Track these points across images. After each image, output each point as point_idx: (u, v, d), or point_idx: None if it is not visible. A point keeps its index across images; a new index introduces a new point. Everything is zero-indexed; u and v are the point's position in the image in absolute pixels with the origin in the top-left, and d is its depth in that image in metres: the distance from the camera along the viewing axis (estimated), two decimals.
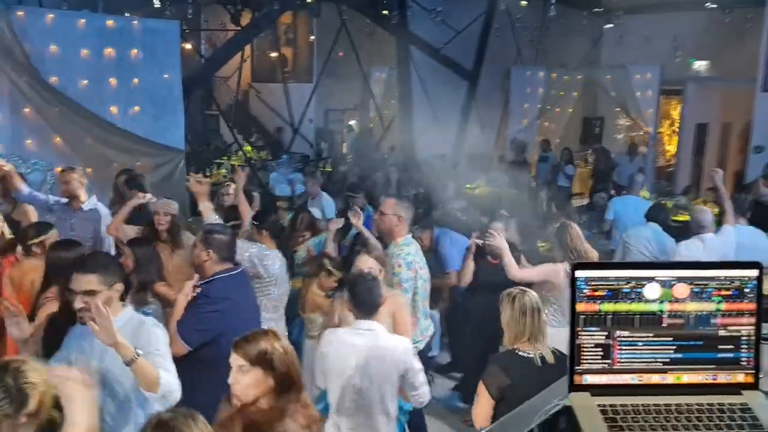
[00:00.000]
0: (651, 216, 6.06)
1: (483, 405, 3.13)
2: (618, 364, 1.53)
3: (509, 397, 3.05)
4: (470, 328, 5.47)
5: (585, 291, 1.52)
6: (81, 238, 5.03)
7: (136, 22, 8.20)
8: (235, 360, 2.38)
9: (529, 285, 4.85)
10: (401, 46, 12.47)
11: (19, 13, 7.01)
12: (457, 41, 12.36)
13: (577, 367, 1.53)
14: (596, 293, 1.52)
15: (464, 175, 10.39)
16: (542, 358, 3.18)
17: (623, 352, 1.53)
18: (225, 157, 12.65)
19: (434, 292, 5.82)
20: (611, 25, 14.47)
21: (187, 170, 8.76)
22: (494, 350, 5.18)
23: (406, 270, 4.23)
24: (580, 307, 1.53)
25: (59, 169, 5.77)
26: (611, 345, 1.53)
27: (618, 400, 1.48)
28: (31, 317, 3.27)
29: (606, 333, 1.53)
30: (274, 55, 15.97)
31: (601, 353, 1.53)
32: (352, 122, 16.31)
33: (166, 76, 8.34)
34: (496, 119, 14.41)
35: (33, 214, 5.54)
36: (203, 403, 2.68)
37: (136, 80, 8.00)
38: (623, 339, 1.53)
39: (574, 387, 1.52)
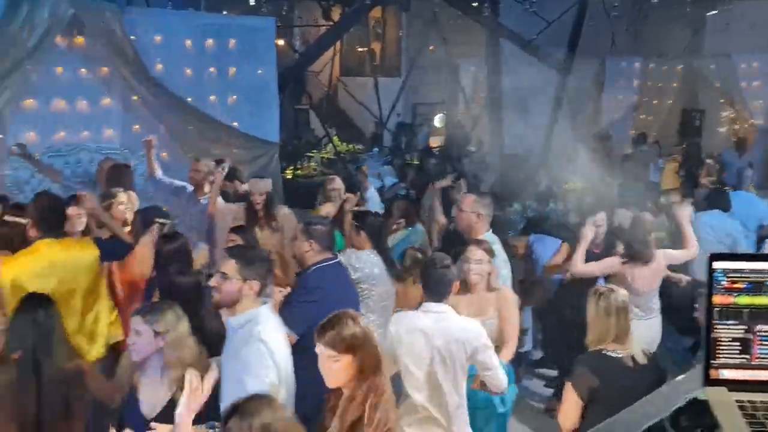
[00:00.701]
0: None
1: (571, 407, 3.05)
2: (757, 359, 1.45)
3: (599, 398, 2.96)
4: (563, 323, 5.34)
5: (723, 283, 1.44)
6: (201, 227, 5.32)
7: (234, 19, 8.51)
8: (324, 349, 2.42)
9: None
10: (492, 38, 12.30)
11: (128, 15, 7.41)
12: (549, 32, 12.06)
13: (713, 362, 1.46)
14: (735, 285, 1.44)
15: (556, 171, 10.13)
16: (632, 358, 3.06)
17: (764, 347, 1.45)
18: (315, 151, 12.91)
19: (528, 288, 5.76)
20: (716, 12, 13.70)
21: (281, 163, 9.06)
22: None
23: None
24: (717, 299, 1.45)
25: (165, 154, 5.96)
26: (751, 340, 1.45)
27: (758, 397, 1.40)
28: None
29: (745, 327, 1.45)
30: (362, 49, 16.15)
31: (740, 348, 1.45)
32: (438, 116, 16.26)
33: (262, 71, 8.63)
34: (589, 112, 13.98)
35: (136, 201, 5.78)
36: (307, 389, 2.78)
37: (233, 70, 8.30)
38: (764, 334, 1.45)
39: (709, 381, 1.45)
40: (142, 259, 3.86)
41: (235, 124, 8.34)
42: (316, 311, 3.30)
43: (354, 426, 2.35)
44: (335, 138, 13.19)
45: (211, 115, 8.04)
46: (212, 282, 2.78)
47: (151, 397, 2.74)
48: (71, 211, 4.01)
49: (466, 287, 3.85)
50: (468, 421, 3.30)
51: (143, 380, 2.77)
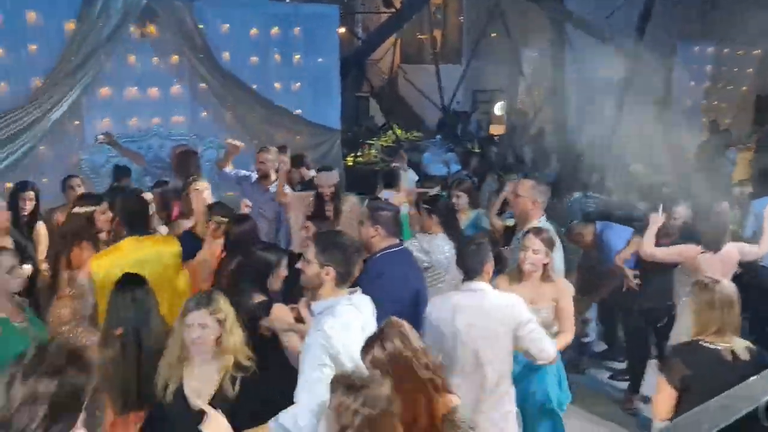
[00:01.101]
0: None
1: (664, 397, 2.98)
2: None
3: (693, 388, 2.88)
4: (636, 314, 5.21)
5: None
6: (269, 215, 5.45)
7: (298, 7, 8.61)
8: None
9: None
10: (556, 23, 12.03)
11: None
12: (617, 16, 11.72)
13: None
14: None
15: (622, 159, 9.86)
16: (732, 352, 2.96)
17: None
18: (375, 138, 12.97)
19: (593, 280, 5.64)
20: None
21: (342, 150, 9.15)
22: (662, 338, 4.99)
23: None
24: None
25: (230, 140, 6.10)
26: None
27: None
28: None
29: None
30: (423, 36, 16.07)
31: None
32: (498, 104, 16.06)
33: (325, 59, 8.73)
34: (658, 99, 13.51)
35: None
36: None
37: (297, 56, 8.43)
38: None
39: None
40: (206, 258, 4.02)
41: (299, 111, 8.47)
42: (378, 298, 3.33)
43: None
44: (395, 126, 13.21)
45: (275, 102, 8.18)
46: (298, 264, 2.85)
47: (195, 385, 2.76)
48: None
49: (520, 275, 3.82)
50: (513, 403, 3.28)
51: (190, 370, 2.79)
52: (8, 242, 4.13)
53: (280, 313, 3.22)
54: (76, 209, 4.03)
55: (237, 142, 5.78)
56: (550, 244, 3.81)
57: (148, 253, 3.67)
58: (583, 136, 11.07)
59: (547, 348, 3.21)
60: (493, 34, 13.50)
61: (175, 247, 3.82)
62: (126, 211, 3.85)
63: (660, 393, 3.02)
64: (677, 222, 4.89)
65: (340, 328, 2.66)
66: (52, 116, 6.70)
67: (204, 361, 2.77)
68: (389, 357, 2.30)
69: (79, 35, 6.77)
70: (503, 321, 3.12)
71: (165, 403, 2.74)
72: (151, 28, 7.37)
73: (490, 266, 3.30)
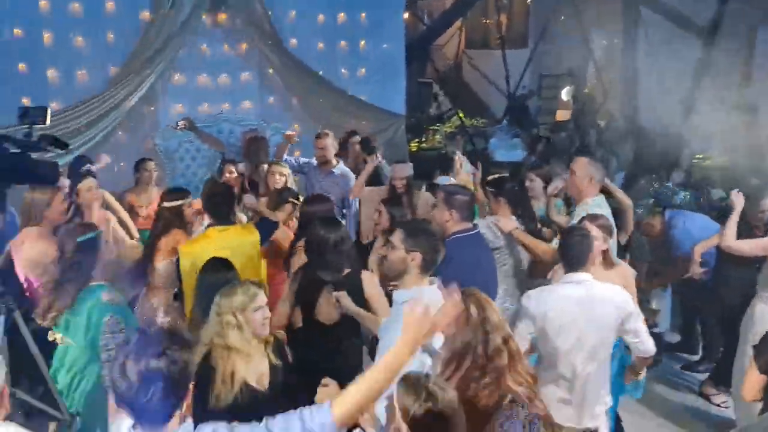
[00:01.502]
0: None
1: (751, 379, 2.95)
2: None
3: None
4: (719, 306, 5.03)
5: None
6: (334, 199, 5.51)
7: None
8: None
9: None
10: (629, 5, 11.62)
11: None
12: None
13: None
14: None
15: (698, 145, 9.48)
16: None
17: None
18: (439, 124, 12.88)
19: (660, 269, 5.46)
20: None
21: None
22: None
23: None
24: None
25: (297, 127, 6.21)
26: None
27: None
28: None
29: None
30: (488, 21, 15.81)
31: None
32: (566, 89, 15.65)
33: (390, 44, 8.71)
34: (736, 85, 12.87)
35: None
36: None
37: (363, 43, 8.46)
38: None
39: None
40: (283, 239, 4.11)
41: (364, 96, 8.49)
42: (450, 282, 3.31)
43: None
44: (460, 112, 13.09)
45: (341, 88, 8.24)
46: (381, 251, 2.86)
47: (253, 373, 2.81)
48: None
49: None
50: (609, 398, 3.26)
51: (239, 364, 2.83)
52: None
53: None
54: (165, 203, 4.14)
55: (291, 132, 5.86)
56: (607, 231, 3.73)
57: (232, 243, 3.75)
58: (657, 122, 10.69)
59: (649, 343, 3.22)
60: (561, 17, 13.12)
61: (255, 236, 3.90)
62: (211, 201, 3.94)
63: (748, 376, 3.01)
64: (765, 215, 4.67)
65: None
66: (128, 103, 6.95)
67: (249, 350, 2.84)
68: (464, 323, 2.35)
69: (153, 24, 6.99)
70: (611, 313, 3.11)
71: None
72: (222, 16, 7.53)
73: (593, 257, 3.30)
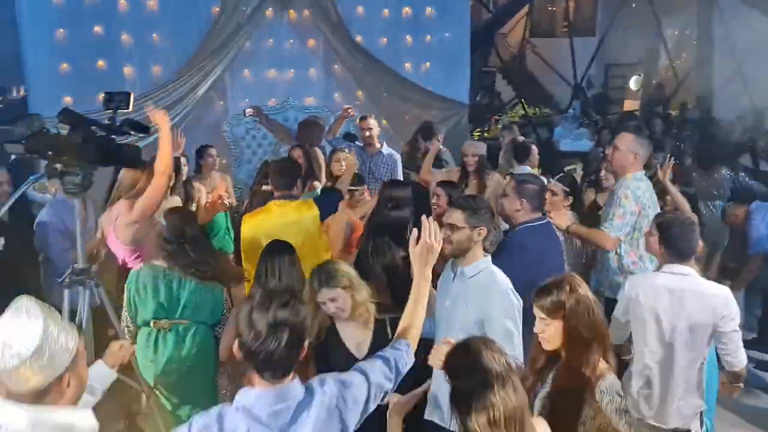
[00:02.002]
0: None
1: None
2: None
3: None
4: None
5: None
6: (377, 179, 5.55)
7: None
8: (537, 312, 2.45)
9: None
10: None
11: None
12: None
13: None
14: None
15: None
16: None
17: None
18: (501, 114, 12.73)
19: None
20: None
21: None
22: None
23: (632, 202, 3.88)
24: None
25: (356, 118, 6.31)
26: None
27: None
28: None
29: None
30: (554, 8, 15.47)
31: None
32: (634, 78, 15.18)
33: (455, 32, 8.63)
34: None
35: (322, 159, 5.97)
36: None
37: (428, 37, 8.41)
38: None
39: None
40: (339, 225, 4.20)
41: (428, 87, 8.46)
42: (518, 271, 3.30)
43: (567, 394, 2.37)
44: (523, 101, 12.90)
45: (406, 77, 8.24)
46: (442, 234, 2.87)
47: (352, 340, 2.94)
48: None
49: None
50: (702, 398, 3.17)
51: (340, 327, 2.96)
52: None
53: None
54: (264, 187, 4.43)
55: (348, 106, 6.19)
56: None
57: (291, 219, 3.87)
58: (731, 111, 10.26)
59: (738, 355, 3.11)
60: (633, 5, 12.72)
61: (314, 211, 4.01)
62: (279, 173, 4.06)
63: None
64: None
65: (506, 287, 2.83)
66: (198, 91, 7.17)
67: (345, 319, 2.95)
68: (576, 300, 2.37)
69: (221, 17, 7.17)
70: (709, 310, 3.02)
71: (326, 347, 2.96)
72: (291, 13, 7.64)
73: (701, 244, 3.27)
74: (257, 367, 1.85)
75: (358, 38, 7.93)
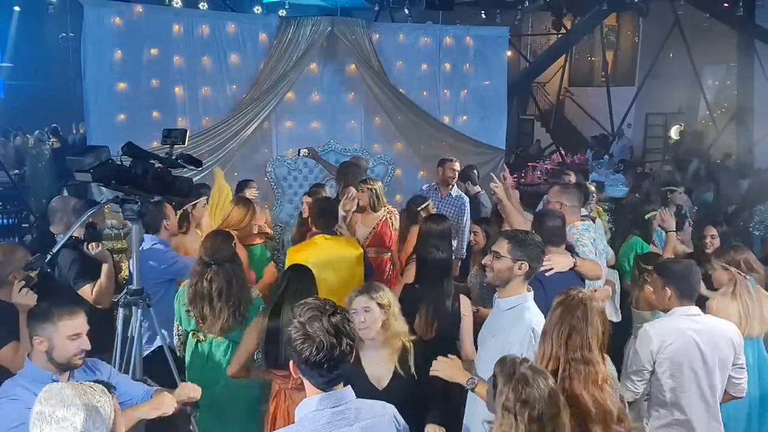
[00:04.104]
0: None
1: None
2: None
3: None
4: None
5: None
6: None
7: (469, 31, 8.84)
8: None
9: None
10: (744, 40, 11.24)
11: (376, 36, 8.12)
12: None
13: None
14: None
15: None
16: None
17: None
18: (539, 161, 12.84)
19: None
20: None
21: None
22: None
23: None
24: None
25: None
26: None
27: None
28: None
29: None
30: (593, 58, 15.70)
31: None
32: (674, 128, 15.19)
33: (492, 80, 8.86)
34: None
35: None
36: None
37: (465, 92, 8.67)
38: None
39: None
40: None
41: (465, 132, 8.66)
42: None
43: None
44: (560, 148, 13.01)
45: (445, 124, 8.46)
46: (485, 260, 2.98)
47: (375, 370, 2.90)
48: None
49: None
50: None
51: (364, 354, 2.92)
52: None
53: None
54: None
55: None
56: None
57: (335, 254, 4.01)
58: None
59: (745, 381, 3.19)
60: (670, 54, 12.84)
61: (358, 250, 4.14)
62: (319, 211, 4.27)
63: None
64: None
65: (539, 320, 2.83)
66: (245, 133, 7.50)
67: (375, 347, 2.92)
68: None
69: (270, 61, 7.54)
70: (729, 341, 3.10)
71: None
72: (334, 66, 7.97)
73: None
74: (321, 376, 1.95)
75: (401, 91, 8.19)
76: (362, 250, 4.17)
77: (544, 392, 2.05)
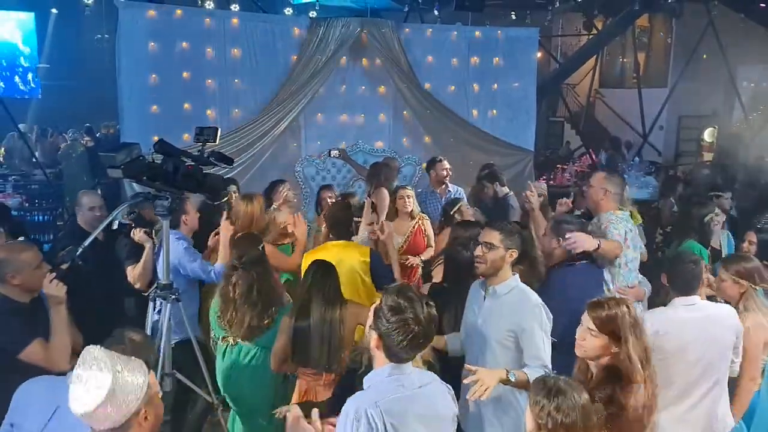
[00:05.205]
0: None
1: None
2: None
3: None
4: None
5: None
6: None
7: (499, 32, 8.82)
8: (586, 321, 2.59)
9: None
10: None
11: (406, 30, 8.16)
12: None
13: None
14: None
15: None
16: None
17: None
18: (569, 163, 12.73)
19: None
20: None
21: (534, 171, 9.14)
22: None
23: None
24: None
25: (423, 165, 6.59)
26: None
27: None
28: None
29: None
30: (624, 60, 15.51)
31: None
32: (708, 130, 14.93)
33: (522, 81, 8.81)
34: None
35: (387, 198, 6.06)
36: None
37: (495, 85, 8.64)
38: None
39: None
40: None
41: (494, 133, 8.62)
42: (559, 309, 3.36)
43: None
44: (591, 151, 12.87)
45: (472, 124, 8.44)
46: (477, 252, 3.07)
47: None
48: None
49: None
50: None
51: None
52: None
53: None
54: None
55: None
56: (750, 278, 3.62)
57: (340, 258, 3.92)
58: None
59: (738, 364, 3.34)
60: (704, 56, 12.63)
61: (365, 257, 4.08)
62: (332, 218, 4.29)
63: None
64: None
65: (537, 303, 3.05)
66: (275, 132, 7.57)
67: None
68: (633, 319, 2.54)
69: (301, 61, 7.59)
70: (727, 331, 3.20)
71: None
72: (364, 61, 8.01)
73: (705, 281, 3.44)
74: (402, 354, 2.23)
75: (427, 85, 8.21)
76: (368, 259, 4.08)
77: (578, 404, 2.11)
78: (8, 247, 3.21)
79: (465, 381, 2.72)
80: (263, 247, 3.66)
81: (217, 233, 4.20)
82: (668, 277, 3.35)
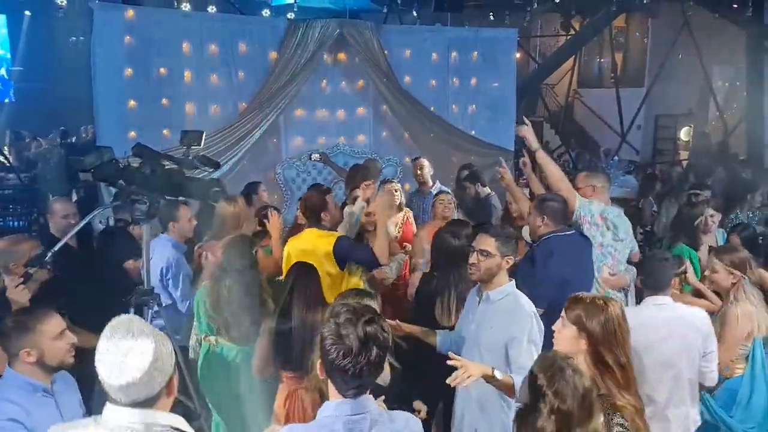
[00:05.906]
0: None
1: None
2: None
3: None
4: None
5: None
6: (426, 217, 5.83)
7: (477, 31, 8.86)
8: (564, 313, 2.55)
9: None
10: (752, 41, 11.19)
11: (386, 30, 8.17)
12: None
13: None
14: None
15: None
16: None
17: None
18: None
19: None
20: None
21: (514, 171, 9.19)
22: None
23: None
24: None
25: (408, 159, 6.57)
26: None
27: None
28: None
29: None
30: (602, 60, 15.66)
31: None
32: (684, 129, 15.13)
33: (501, 81, 8.85)
34: None
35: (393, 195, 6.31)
36: None
37: (474, 80, 8.68)
38: None
39: None
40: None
41: (473, 132, 8.66)
42: (546, 278, 3.47)
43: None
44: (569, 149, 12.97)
45: (451, 123, 8.46)
46: (472, 260, 3.03)
47: None
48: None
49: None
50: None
51: None
52: None
53: None
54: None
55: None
56: (740, 267, 3.66)
57: (308, 246, 3.93)
58: None
59: (716, 371, 3.24)
60: (680, 56, 12.80)
61: (328, 247, 3.97)
62: (306, 205, 4.23)
63: None
64: None
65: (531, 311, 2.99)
66: (254, 135, 7.50)
67: None
68: (605, 318, 2.45)
69: (280, 63, 7.54)
70: (697, 329, 3.16)
71: None
72: (341, 55, 8.00)
73: (675, 282, 3.38)
74: (343, 382, 1.93)
75: (407, 79, 8.21)
76: (331, 248, 3.98)
77: (578, 390, 2.07)
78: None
79: (448, 362, 2.63)
80: (257, 252, 3.66)
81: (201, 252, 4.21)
82: (641, 276, 3.40)
